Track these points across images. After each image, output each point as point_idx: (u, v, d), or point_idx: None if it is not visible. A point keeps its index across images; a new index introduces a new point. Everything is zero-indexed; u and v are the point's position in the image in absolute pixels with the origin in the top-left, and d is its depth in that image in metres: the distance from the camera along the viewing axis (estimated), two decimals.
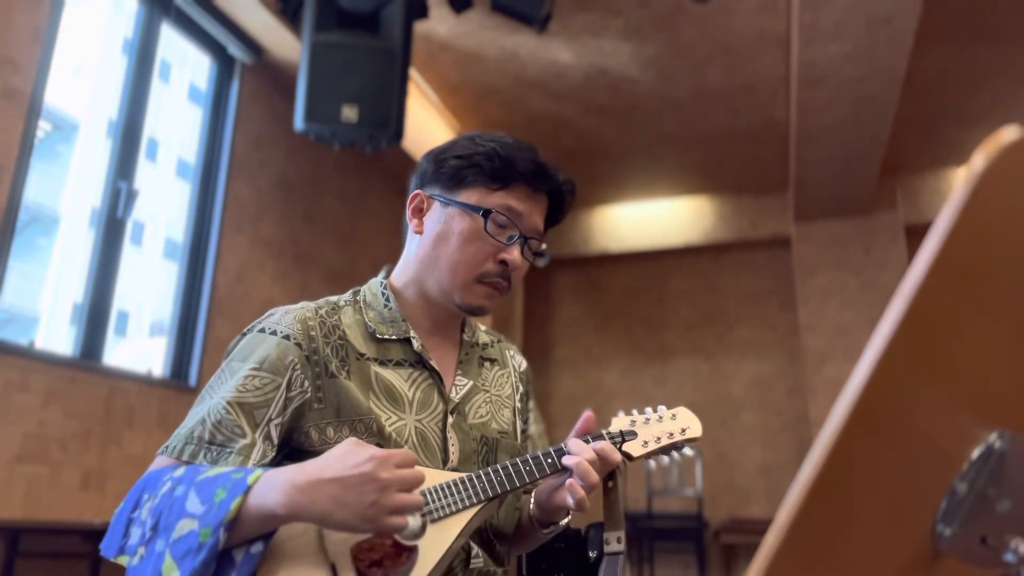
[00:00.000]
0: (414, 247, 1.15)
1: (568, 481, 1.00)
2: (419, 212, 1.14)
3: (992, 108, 5.19)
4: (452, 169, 1.10)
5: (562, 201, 1.16)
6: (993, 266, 0.43)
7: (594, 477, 0.99)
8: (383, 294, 1.14)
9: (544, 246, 1.15)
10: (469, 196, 1.09)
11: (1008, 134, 0.40)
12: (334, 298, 1.14)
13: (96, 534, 2.80)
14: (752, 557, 0.40)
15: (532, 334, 7.01)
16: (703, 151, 5.85)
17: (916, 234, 6.00)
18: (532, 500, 1.11)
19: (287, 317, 1.05)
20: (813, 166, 5.20)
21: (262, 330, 1.04)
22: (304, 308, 1.08)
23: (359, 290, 1.17)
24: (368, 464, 0.83)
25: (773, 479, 6.17)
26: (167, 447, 0.94)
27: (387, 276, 1.18)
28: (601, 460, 1.01)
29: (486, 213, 1.08)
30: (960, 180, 0.40)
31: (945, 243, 0.40)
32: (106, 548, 0.90)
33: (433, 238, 1.11)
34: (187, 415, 0.98)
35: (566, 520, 1.10)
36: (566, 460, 1.01)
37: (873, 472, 0.43)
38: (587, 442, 1.04)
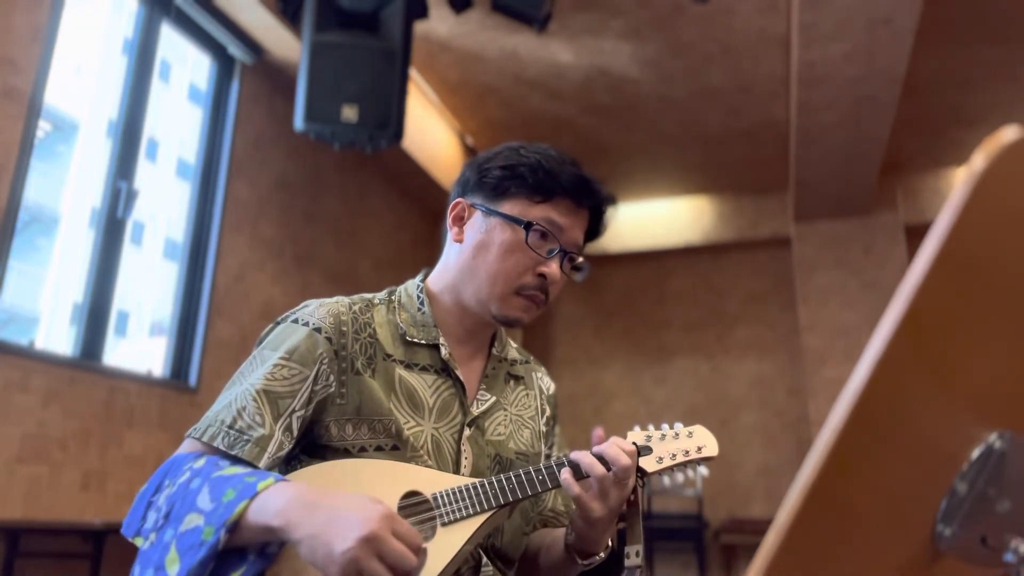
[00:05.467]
0: (453, 255, 1.14)
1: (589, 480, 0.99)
2: (460, 220, 1.14)
3: (992, 108, 5.19)
4: (495, 179, 1.10)
5: (602, 216, 1.15)
6: (993, 266, 0.43)
7: (625, 460, 0.98)
8: (418, 297, 1.14)
9: (582, 259, 1.15)
10: (511, 207, 1.09)
11: (1008, 134, 0.40)
12: (369, 295, 1.14)
13: (96, 534, 2.80)
14: (752, 557, 0.40)
15: (532, 334, 7.01)
16: (703, 151, 5.85)
17: (916, 234, 6.00)
18: (570, 528, 1.07)
19: (320, 310, 1.06)
20: (813, 166, 5.20)
21: (295, 320, 1.05)
22: (339, 302, 1.08)
23: (395, 290, 1.17)
24: (374, 511, 0.81)
25: (773, 479, 6.17)
26: (195, 429, 0.96)
27: (424, 279, 1.17)
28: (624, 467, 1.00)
29: (528, 225, 1.07)
30: (960, 180, 0.40)
31: (945, 243, 0.40)
32: (126, 527, 0.91)
33: (473, 247, 1.10)
34: (217, 398, 1.00)
35: (606, 551, 1.07)
36: (594, 450, 1.00)
37: (873, 472, 0.43)
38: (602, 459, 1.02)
